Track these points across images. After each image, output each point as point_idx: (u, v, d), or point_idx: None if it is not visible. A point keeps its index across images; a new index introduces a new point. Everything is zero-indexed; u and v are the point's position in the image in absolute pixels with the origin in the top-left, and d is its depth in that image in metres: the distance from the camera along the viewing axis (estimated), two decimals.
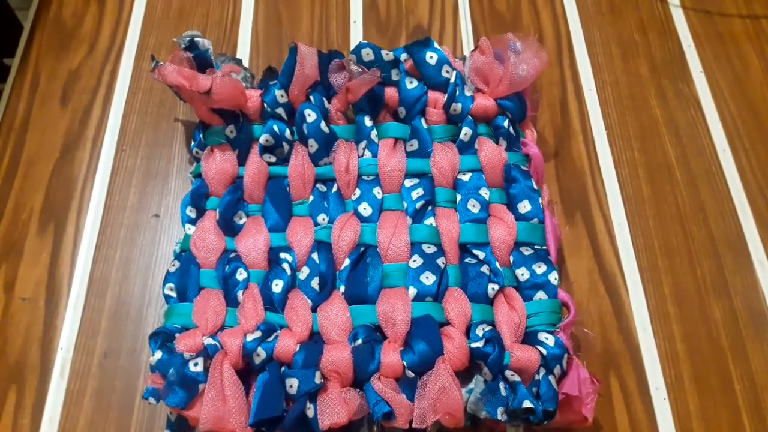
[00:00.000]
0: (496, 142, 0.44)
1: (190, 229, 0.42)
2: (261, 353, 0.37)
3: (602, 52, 0.52)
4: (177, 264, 0.41)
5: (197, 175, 0.44)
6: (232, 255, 0.41)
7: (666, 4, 0.54)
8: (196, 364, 0.36)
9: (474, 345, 0.36)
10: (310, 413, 0.35)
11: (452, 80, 0.44)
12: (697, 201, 0.45)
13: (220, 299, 0.39)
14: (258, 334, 0.37)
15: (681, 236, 0.44)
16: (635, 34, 0.53)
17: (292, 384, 0.35)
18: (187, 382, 0.36)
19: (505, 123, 0.44)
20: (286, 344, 0.37)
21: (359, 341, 0.37)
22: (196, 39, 0.44)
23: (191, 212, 0.43)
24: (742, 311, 0.42)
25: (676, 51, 0.52)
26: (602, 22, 0.53)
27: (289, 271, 0.40)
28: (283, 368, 0.36)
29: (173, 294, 0.40)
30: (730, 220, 0.45)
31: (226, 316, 0.39)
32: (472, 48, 0.51)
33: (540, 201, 0.42)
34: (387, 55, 0.44)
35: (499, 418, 0.35)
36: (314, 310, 0.39)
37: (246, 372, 0.37)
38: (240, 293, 0.39)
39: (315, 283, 0.40)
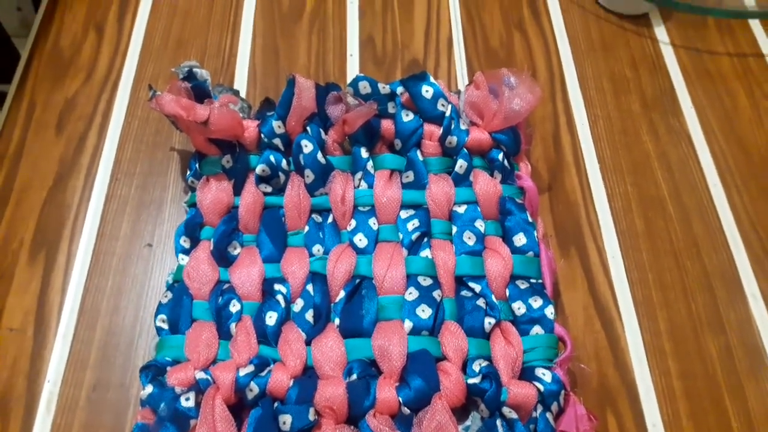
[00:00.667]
0: (491, 175, 0.44)
1: (184, 259, 0.42)
2: (254, 388, 0.36)
3: (594, 87, 0.52)
4: (169, 295, 0.40)
5: (192, 204, 0.44)
6: (226, 286, 0.41)
7: (656, 42, 0.55)
8: (187, 399, 0.36)
9: (471, 381, 0.36)
10: None
11: (447, 114, 0.44)
12: (690, 235, 0.46)
13: (213, 331, 0.39)
14: (251, 368, 0.37)
15: (675, 270, 0.44)
16: (626, 70, 0.53)
17: (286, 421, 0.35)
18: (178, 417, 0.35)
19: (500, 156, 0.44)
20: (280, 379, 0.36)
21: (354, 376, 0.37)
22: (194, 69, 0.44)
23: (185, 242, 0.42)
24: (737, 346, 0.42)
25: (667, 87, 0.53)
26: (594, 58, 0.54)
27: (283, 303, 0.39)
28: (276, 404, 0.36)
29: (165, 326, 0.39)
30: (723, 254, 0.45)
31: (219, 349, 0.38)
32: (467, 82, 0.52)
33: (535, 234, 0.42)
34: (383, 88, 0.44)
35: None
36: (308, 343, 0.38)
37: (238, 407, 0.36)
38: (233, 325, 0.39)
39: (309, 316, 0.39)
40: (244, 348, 0.38)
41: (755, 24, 0.57)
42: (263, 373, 0.37)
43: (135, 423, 0.36)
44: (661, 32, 0.56)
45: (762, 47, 0.55)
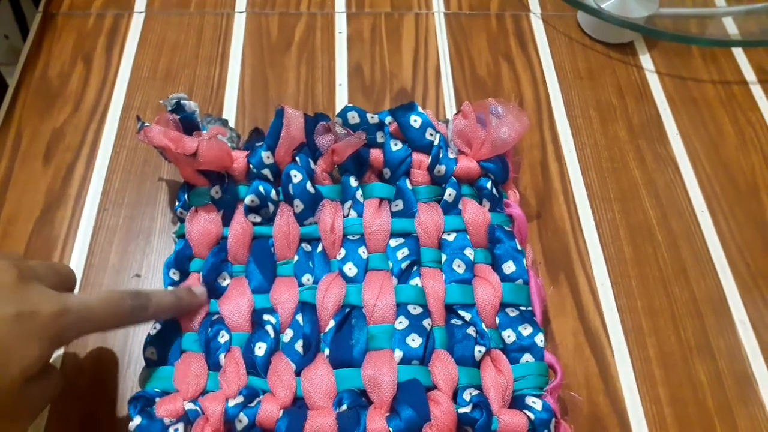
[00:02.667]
0: (480, 203, 0.45)
1: None
2: (243, 419, 0.36)
3: (581, 115, 0.53)
4: (158, 327, 0.40)
5: (181, 235, 0.44)
6: (215, 317, 0.40)
7: (642, 70, 0.56)
8: (176, 430, 0.35)
9: (461, 410, 0.36)
10: None
11: (436, 143, 0.45)
12: (679, 262, 0.46)
13: (202, 362, 0.38)
14: (240, 399, 0.36)
15: (664, 297, 0.44)
16: (613, 98, 0.54)
17: None
18: None
19: (488, 184, 0.44)
20: (269, 410, 0.36)
21: (344, 407, 0.36)
22: (183, 101, 0.44)
23: (174, 274, 0.42)
24: (726, 373, 0.42)
25: (653, 114, 0.53)
26: (580, 86, 0.55)
27: (272, 334, 0.39)
28: None
29: (154, 357, 0.39)
30: (711, 280, 0.45)
31: (208, 380, 0.38)
32: (455, 111, 0.52)
33: (524, 262, 0.42)
34: (372, 118, 0.45)
35: None
36: (298, 373, 0.38)
37: None
38: (222, 356, 0.39)
39: (299, 346, 0.39)
40: (233, 379, 0.38)
41: (738, 52, 0.58)
42: (252, 404, 0.36)
43: None
44: (646, 60, 0.57)
45: (745, 75, 0.56)
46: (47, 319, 0.30)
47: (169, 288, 0.42)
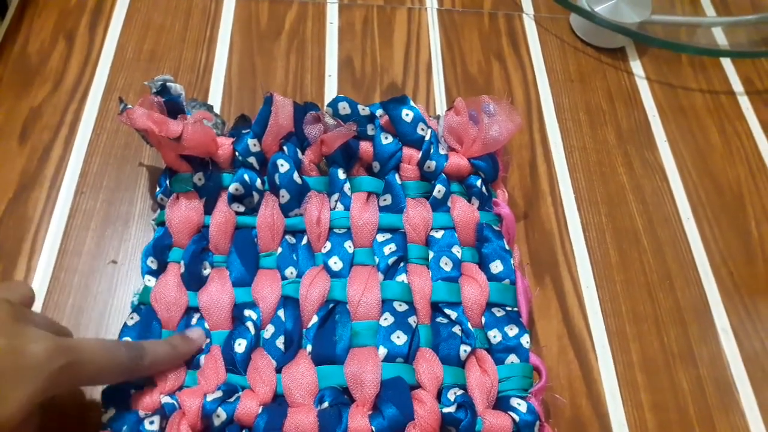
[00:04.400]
0: (469, 201, 0.44)
1: (150, 280, 0.40)
2: (221, 414, 0.34)
3: (571, 118, 0.53)
4: (136, 317, 0.38)
5: (161, 222, 0.42)
6: (196, 317, 0.39)
7: (632, 76, 0.56)
8: (151, 422, 0.34)
9: (446, 410, 0.35)
10: None
11: (427, 138, 0.44)
12: (664, 268, 0.46)
13: (181, 364, 0.37)
14: (219, 394, 0.35)
15: (648, 303, 0.44)
16: (603, 102, 0.54)
17: None
18: None
19: (478, 182, 0.44)
20: (248, 406, 0.35)
21: (326, 404, 0.35)
22: (168, 83, 0.43)
23: (152, 263, 0.41)
24: (708, 380, 0.42)
25: (642, 120, 0.53)
26: (571, 89, 0.55)
27: (253, 330, 0.38)
28: (244, 431, 0.34)
29: None
30: (695, 288, 0.45)
31: (186, 377, 0.37)
32: (445, 107, 0.52)
33: (512, 262, 0.42)
34: (363, 110, 0.44)
35: None
36: (279, 370, 0.37)
37: None
38: (202, 358, 0.37)
39: (280, 342, 0.38)
40: (212, 375, 0.36)
41: (726, 62, 0.58)
42: (231, 400, 0.35)
43: None
44: (636, 66, 0.57)
45: (733, 85, 0.57)
46: (40, 358, 0.28)
47: (146, 277, 0.40)
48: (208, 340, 0.38)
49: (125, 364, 0.33)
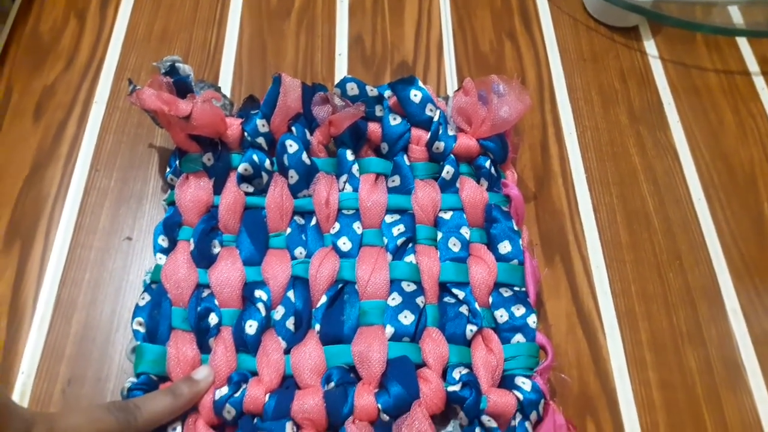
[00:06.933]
0: (478, 182, 0.44)
1: (162, 258, 0.41)
2: (230, 410, 0.35)
3: (583, 97, 0.52)
4: (147, 297, 0.39)
5: (171, 202, 0.43)
6: (206, 293, 0.40)
7: (645, 55, 0.56)
8: (174, 429, 0.35)
9: (451, 388, 0.36)
10: None
11: (436, 119, 0.44)
12: (674, 249, 0.46)
13: (194, 347, 0.38)
14: (225, 390, 0.36)
15: (658, 283, 0.44)
16: (615, 81, 0.54)
17: None
18: None
19: (487, 163, 0.44)
20: (255, 395, 0.36)
21: (332, 384, 0.36)
22: (177, 64, 0.43)
23: (163, 241, 0.41)
24: (716, 360, 0.42)
25: (655, 101, 0.53)
26: (583, 68, 0.54)
27: (263, 312, 0.39)
28: (255, 420, 0.35)
29: (142, 329, 0.38)
30: (705, 268, 0.45)
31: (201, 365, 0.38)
32: (456, 87, 0.52)
33: (520, 242, 0.42)
34: (371, 90, 0.44)
35: None
36: (288, 351, 0.38)
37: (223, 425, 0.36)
38: (212, 340, 0.38)
39: (290, 323, 0.38)
40: (223, 364, 0.37)
41: (742, 42, 0.57)
42: (237, 394, 0.36)
43: None
44: (650, 46, 0.56)
45: (748, 65, 0.56)
46: (20, 428, 0.29)
47: (158, 255, 0.41)
48: (213, 380, 0.37)
49: (115, 428, 0.31)
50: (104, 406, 0.32)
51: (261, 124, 0.43)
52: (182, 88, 0.43)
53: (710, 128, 0.52)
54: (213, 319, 0.38)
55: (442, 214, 0.43)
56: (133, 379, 0.36)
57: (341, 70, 0.52)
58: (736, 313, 0.44)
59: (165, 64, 0.43)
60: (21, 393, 0.38)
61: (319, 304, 0.39)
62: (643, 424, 0.39)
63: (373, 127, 0.44)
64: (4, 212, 0.44)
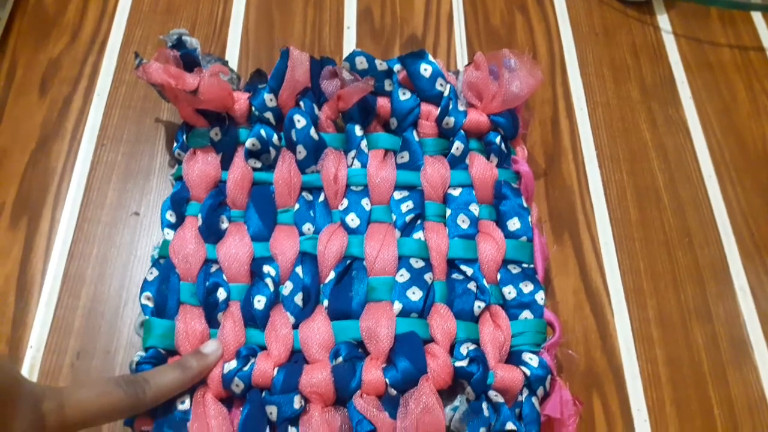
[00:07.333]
0: (488, 158, 0.44)
1: (169, 233, 0.41)
2: (239, 383, 0.36)
3: (594, 72, 0.52)
4: (155, 272, 0.39)
5: (178, 177, 0.43)
6: (214, 268, 0.40)
7: (658, 30, 0.55)
8: (182, 402, 0.35)
9: (458, 364, 0.36)
10: None
11: (446, 94, 0.43)
12: (684, 226, 0.46)
13: (202, 322, 0.38)
14: (233, 364, 0.36)
15: (666, 261, 0.44)
16: (627, 57, 0.53)
17: (272, 411, 0.35)
18: (176, 422, 0.35)
19: (497, 139, 0.44)
20: (263, 368, 0.36)
21: (340, 359, 0.36)
22: (183, 37, 0.43)
23: (171, 216, 0.41)
24: (723, 337, 0.42)
25: (667, 76, 0.52)
26: (595, 43, 0.53)
27: (272, 287, 0.39)
28: (264, 393, 0.36)
29: (150, 304, 0.38)
30: (715, 246, 0.45)
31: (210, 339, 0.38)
32: (466, 61, 0.51)
33: (529, 219, 0.42)
34: (381, 64, 0.43)
35: None
36: (296, 326, 0.38)
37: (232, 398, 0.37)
38: (220, 315, 0.38)
39: (298, 299, 0.39)
40: (232, 338, 0.37)
41: (758, 17, 0.56)
42: (246, 367, 0.36)
43: None
44: (663, 20, 0.55)
45: (763, 41, 0.55)
46: (47, 411, 0.29)
47: (165, 230, 0.41)
48: (222, 354, 0.37)
49: (124, 402, 0.32)
50: (113, 380, 0.32)
51: (269, 98, 0.43)
52: (189, 61, 0.43)
53: (723, 105, 0.51)
54: (221, 294, 0.39)
55: (451, 191, 0.43)
56: (142, 353, 0.37)
57: (350, 44, 0.51)
58: (744, 291, 0.44)
59: (172, 37, 0.42)
60: (30, 366, 0.38)
61: (327, 280, 0.39)
62: (649, 400, 0.40)
63: (382, 102, 0.44)
64: (11, 188, 0.44)
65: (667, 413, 0.39)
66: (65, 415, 0.30)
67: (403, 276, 0.39)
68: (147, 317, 0.38)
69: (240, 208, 0.42)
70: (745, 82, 0.52)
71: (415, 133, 0.43)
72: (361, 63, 0.43)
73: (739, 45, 0.55)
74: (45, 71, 0.48)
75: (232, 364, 0.36)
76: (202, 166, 0.42)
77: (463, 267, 0.40)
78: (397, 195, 0.42)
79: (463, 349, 0.37)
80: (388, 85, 0.44)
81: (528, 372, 0.36)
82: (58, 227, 0.43)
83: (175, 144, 0.44)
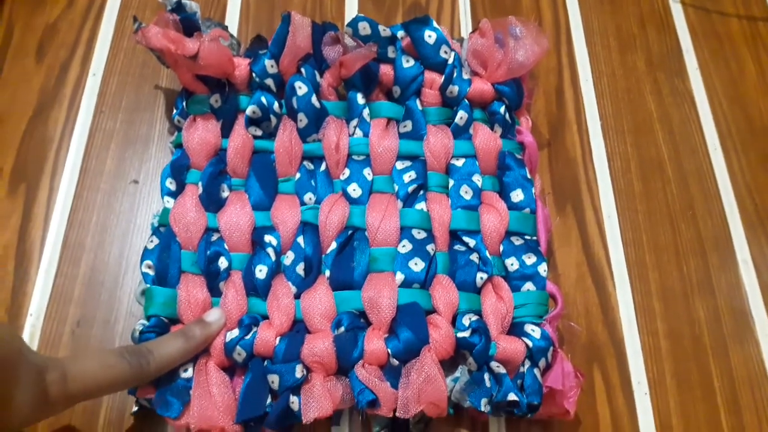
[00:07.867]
0: (492, 129, 0.43)
1: (169, 201, 0.40)
2: (241, 352, 0.36)
3: (600, 42, 0.51)
4: (155, 240, 0.39)
5: (178, 145, 0.42)
6: (215, 237, 0.39)
7: None
8: (185, 371, 0.35)
9: (460, 335, 0.36)
10: (294, 406, 0.34)
11: (450, 61, 0.43)
12: (687, 199, 0.45)
13: (204, 290, 0.38)
14: (235, 333, 0.36)
15: (669, 233, 0.44)
16: (634, 26, 0.52)
17: (274, 380, 0.35)
18: (179, 390, 0.35)
19: (502, 109, 0.43)
20: (265, 338, 0.36)
21: (342, 329, 0.36)
22: (183, 1, 0.42)
23: (171, 184, 0.41)
24: (725, 310, 0.42)
25: (674, 47, 0.51)
26: (601, 11, 0.52)
27: (273, 256, 0.38)
28: (266, 362, 0.36)
29: (151, 272, 0.38)
30: (718, 219, 0.45)
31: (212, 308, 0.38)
32: (470, 29, 0.50)
33: (533, 191, 0.41)
34: (384, 31, 0.42)
35: (483, 409, 0.35)
36: (298, 296, 0.38)
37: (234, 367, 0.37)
38: (222, 284, 0.38)
39: (300, 269, 0.38)
40: (234, 307, 0.37)
41: None
42: (248, 336, 0.36)
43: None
44: None
45: None
46: (50, 382, 0.29)
47: (165, 198, 0.40)
48: (225, 323, 0.37)
49: (128, 373, 0.32)
50: (117, 351, 0.32)
51: (269, 64, 0.42)
52: (189, 26, 0.42)
53: (730, 76, 0.50)
54: (222, 263, 0.38)
55: (454, 161, 0.42)
56: (145, 322, 0.36)
57: (351, 10, 0.50)
58: (747, 264, 0.43)
59: (171, 0, 0.41)
60: (30, 334, 0.38)
61: (329, 250, 0.39)
62: (650, 372, 0.40)
63: (385, 70, 0.43)
64: (8, 155, 0.43)
65: (668, 386, 0.39)
66: (68, 386, 0.30)
67: (405, 247, 0.39)
68: (148, 285, 0.38)
69: (241, 177, 0.42)
70: (753, 53, 0.52)
71: (418, 101, 0.43)
72: (364, 29, 0.42)
73: (747, 15, 0.54)
74: (42, 36, 0.48)
75: (235, 333, 0.36)
76: (202, 133, 0.41)
77: (466, 238, 0.40)
78: (400, 165, 0.42)
79: (466, 320, 0.37)
80: (391, 52, 0.43)
81: (530, 343, 0.36)
82: (56, 195, 0.42)
83: (174, 111, 0.43)
